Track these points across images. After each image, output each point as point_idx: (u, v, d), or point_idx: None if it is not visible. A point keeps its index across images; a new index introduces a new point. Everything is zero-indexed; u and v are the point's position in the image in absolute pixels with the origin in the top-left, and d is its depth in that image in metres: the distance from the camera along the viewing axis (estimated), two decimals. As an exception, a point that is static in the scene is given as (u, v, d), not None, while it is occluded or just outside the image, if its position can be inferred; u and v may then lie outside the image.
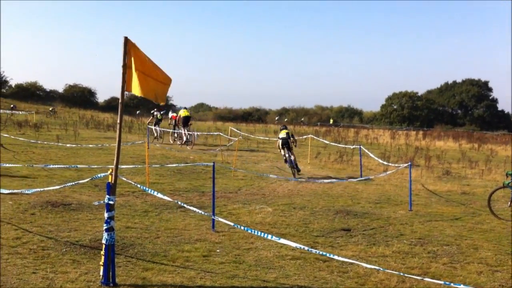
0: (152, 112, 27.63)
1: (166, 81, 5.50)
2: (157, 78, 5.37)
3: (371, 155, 15.97)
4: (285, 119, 66.47)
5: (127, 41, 5.20)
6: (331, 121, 71.40)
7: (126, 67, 5.23)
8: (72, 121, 41.48)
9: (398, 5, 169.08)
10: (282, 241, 4.98)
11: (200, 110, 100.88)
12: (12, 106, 49.55)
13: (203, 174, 14.46)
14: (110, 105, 74.58)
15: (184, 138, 23.32)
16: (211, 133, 28.92)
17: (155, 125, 26.09)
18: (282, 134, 15.47)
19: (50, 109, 45.07)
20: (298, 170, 14.85)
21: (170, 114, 28.54)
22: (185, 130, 23.42)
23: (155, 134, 25.83)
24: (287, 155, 15.03)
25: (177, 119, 24.76)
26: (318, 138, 25.72)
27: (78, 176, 12.71)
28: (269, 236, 5.08)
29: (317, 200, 10.96)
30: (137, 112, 61.65)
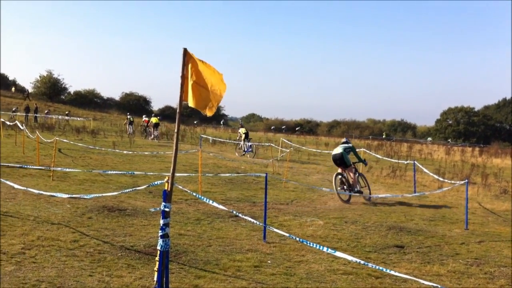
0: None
1: (219, 92, 5.53)
2: (211, 90, 5.43)
3: (426, 170, 15.61)
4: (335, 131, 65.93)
5: (186, 52, 5.31)
6: (384, 135, 70.35)
7: (184, 78, 5.34)
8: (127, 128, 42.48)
9: (457, 20, 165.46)
10: (338, 254, 4.94)
11: (251, 121, 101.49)
12: (67, 112, 51.26)
13: (254, 184, 14.52)
14: (164, 114, 76.09)
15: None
16: (262, 144, 29.04)
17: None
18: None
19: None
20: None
21: (144, 118, 39.42)
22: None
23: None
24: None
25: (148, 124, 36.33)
26: (370, 152, 25.38)
27: (133, 182, 13.02)
28: (324, 249, 5.05)
29: (369, 215, 10.80)
30: (195, 122, 62.80)
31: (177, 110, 5.44)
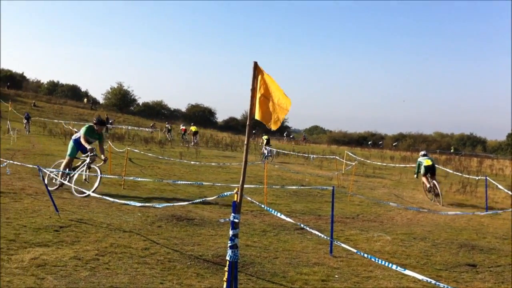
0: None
1: (285, 106, 5.55)
2: (277, 103, 5.46)
3: (500, 186, 14.98)
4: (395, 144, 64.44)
5: (256, 65, 5.39)
6: (452, 149, 68.20)
7: (253, 91, 5.41)
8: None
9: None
10: (408, 272, 4.83)
11: (314, 133, 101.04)
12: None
13: (318, 197, 14.44)
14: (228, 125, 77.26)
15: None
16: (326, 156, 28.85)
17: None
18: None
19: (167, 125, 47.89)
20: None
21: (181, 127, 46.23)
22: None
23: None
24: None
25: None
26: (438, 166, 24.63)
27: (200, 192, 13.26)
28: (394, 266, 4.95)
29: (439, 231, 10.47)
30: (253, 131, 63.37)
31: (247, 122, 5.52)
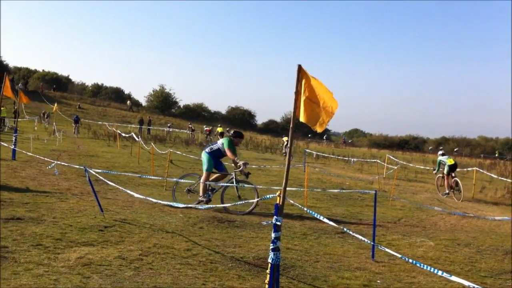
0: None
1: (331, 109, 5.53)
2: (322, 106, 5.45)
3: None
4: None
5: (300, 68, 5.40)
6: (497, 153, 66.43)
7: (297, 93, 5.41)
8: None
9: None
10: (453, 278, 4.73)
11: (354, 136, 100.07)
12: (190, 125, 53.58)
13: (359, 201, 14.30)
14: (268, 128, 77.34)
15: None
16: (366, 160, 28.55)
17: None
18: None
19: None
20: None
21: (205, 128, 49.42)
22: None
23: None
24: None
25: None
26: (482, 171, 24.06)
27: (241, 194, 13.31)
28: (439, 272, 4.86)
29: (484, 237, 10.22)
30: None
31: (290, 125, 5.53)
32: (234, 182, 11.00)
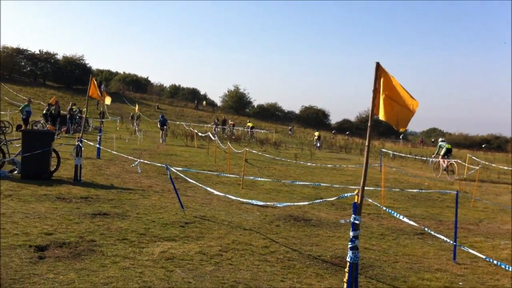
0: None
1: (412, 107, 5.45)
2: (403, 104, 5.38)
3: None
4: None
5: (378, 66, 5.35)
6: None
7: (376, 92, 5.37)
8: (307, 141, 43.58)
9: None
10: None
11: (432, 135, 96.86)
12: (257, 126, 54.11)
13: (439, 202, 13.90)
14: (342, 127, 76.39)
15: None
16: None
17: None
18: (448, 146, 21.88)
19: (289, 128, 48.99)
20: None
21: (229, 122, 51.13)
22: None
23: None
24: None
25: None
26: None
27: (316, 193, 13.33)
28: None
29: None
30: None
31: (368, 124, 5.51)
32: None
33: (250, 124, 45.73)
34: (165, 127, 30.35)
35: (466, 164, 24.22)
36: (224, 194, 9.45)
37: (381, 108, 5.33)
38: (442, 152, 21.72)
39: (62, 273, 5.28)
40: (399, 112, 5.39)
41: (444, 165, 21.47)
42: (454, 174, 20.67)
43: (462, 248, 6.08)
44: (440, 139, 24.04)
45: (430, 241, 8.53)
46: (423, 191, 14.72)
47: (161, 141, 29.24)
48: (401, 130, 5.55)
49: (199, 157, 21.61)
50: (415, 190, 13.95)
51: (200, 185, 10.22)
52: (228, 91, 79.14)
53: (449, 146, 22.03)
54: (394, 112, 5.36)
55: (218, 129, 45.71)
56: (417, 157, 31.76)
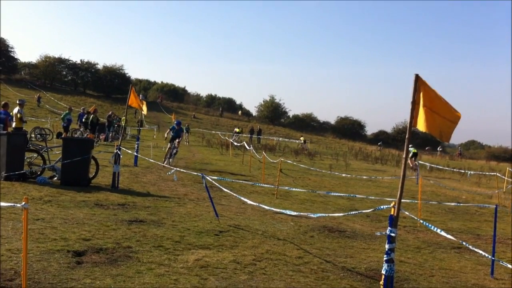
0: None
1: (454, 119, 5.41)
2: (444, 116, 5.34)
3: None
4: None
5: (417, 78, 5.32)
6: None
7: (414, 103, 5.34)
8: (342, 152, 43.28)
9: None
10: None
11: (471, 148, 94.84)
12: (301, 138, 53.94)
13: (477, 216, 13.61)
14: (378, 138, 75.56)
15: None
16: (485, 173, 27.03)
17: None
18: (414, 150, 26.18)
19: (303, 141, 47.75)
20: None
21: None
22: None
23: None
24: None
25: None
26: None
27: (350, 205, 13.23)
28: None
29: None
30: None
31: (406, 136, 5.47)
32: None
33: (302, 139, 47.55)
34: (177, 140, 19.24)
35: (506, 178, 23.64)
36: (258, 204, 9.48)
37: (422, 120, 5.30)
38: (410, 155, 25.58)
39: (99, 279, 5.39)
40: (442, 124, 5.35)
41: (411, 165, 25.76)
42: (417, 172, 23.57)
43: (501, 263, 5.95)
44: (410, 145, 27.09)
45: (467, 256, 8.36)
46: (461, 204, 14.42)
47: (164, 162, 18.31)
48: (445, 141, 5.51)
49: (234, 166, 21.74)
50: (452, 204, 13.69)
51: (235, 194, 10.27)
52: (263, 101, 79.48)
53: (415, 150, 26.71)
54: (437, 124, 5.33)
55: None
56: (455, 169, 31.18)
